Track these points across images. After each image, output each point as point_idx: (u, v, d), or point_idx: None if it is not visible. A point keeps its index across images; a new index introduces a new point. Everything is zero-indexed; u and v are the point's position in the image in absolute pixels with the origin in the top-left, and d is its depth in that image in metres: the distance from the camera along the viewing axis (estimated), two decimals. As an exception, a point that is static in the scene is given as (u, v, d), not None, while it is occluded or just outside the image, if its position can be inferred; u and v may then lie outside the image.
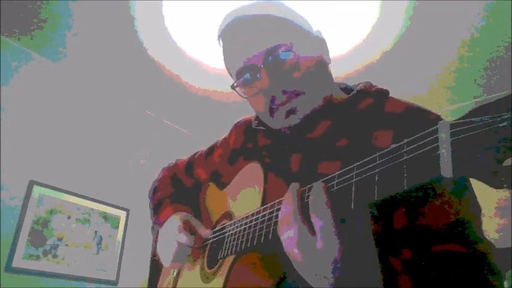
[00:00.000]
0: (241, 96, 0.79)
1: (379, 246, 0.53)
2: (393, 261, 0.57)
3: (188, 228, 0.91)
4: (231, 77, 0.80)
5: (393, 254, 0.58)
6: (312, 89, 0.72)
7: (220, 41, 0.80)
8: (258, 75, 0.72)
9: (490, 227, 2.38)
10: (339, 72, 2.44)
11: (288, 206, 0.54)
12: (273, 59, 0.71)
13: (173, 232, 0.90)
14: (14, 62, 2.60)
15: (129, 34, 2.48)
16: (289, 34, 0.73)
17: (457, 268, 0.56)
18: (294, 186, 0.57)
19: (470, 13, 2.23)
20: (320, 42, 0.80)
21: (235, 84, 0.78)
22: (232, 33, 0.76)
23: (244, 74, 0.74)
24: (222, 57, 0.82)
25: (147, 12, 2.30)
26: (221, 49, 0.81)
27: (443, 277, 0.56)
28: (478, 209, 0.63)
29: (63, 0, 2.24)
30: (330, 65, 0.80)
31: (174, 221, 0.93)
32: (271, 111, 0.74)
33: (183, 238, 0.87)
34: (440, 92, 2.95)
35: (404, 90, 2.51)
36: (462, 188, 0.61)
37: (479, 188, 0.66)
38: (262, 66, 0.71)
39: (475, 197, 0.63)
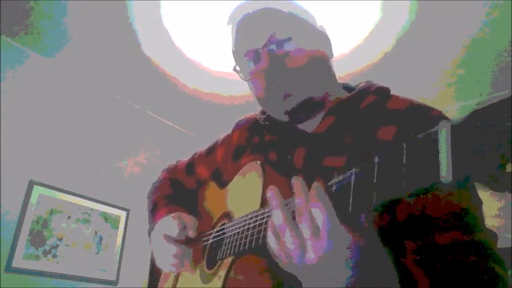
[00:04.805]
0: (242, 78, 0.83)
1: (383, 239, 0.53)
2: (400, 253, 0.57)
3: (183, 228, 0.89)
4: (235, 61, 0.84)
5: (398, 247, 0.58)
6: (308, 80, 0.76)
7: (230, 27, 0.85)
8: (260, 58, 0.76)
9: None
10: (341, 72, 2.41)
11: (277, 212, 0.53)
12: (275, 46, 0.75)
13: (169, 232, 0.88)
14: (12, 61, 2.59)
15: (129, 34, 2.47)
16: (292, 27, 0.77)
17: (461, 256, 0.57)
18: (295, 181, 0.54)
19: (473, 12, 2.22)
20: (323, 37, 0.83)
21: (237, 68, 0.82)
22: (239, 23, 0.81)
23: (247, 57, 0.79)
24: (229, 46, 0.87)
25: (148, 12, 2.30)
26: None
27: (449, 266, 0.56)
28: (479, 200, 0.63)
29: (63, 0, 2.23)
30: (333, 66, 0.83)
31: (166, 222, 0.91)
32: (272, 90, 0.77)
33: (174, 249, 0.86)
34: (445, 91, 2.93)
35: (407, 90, 2.50)
36: (463, 181, 0.62)
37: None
38: (263, 50, 0.75)
39: (476, 190, 0.63)
